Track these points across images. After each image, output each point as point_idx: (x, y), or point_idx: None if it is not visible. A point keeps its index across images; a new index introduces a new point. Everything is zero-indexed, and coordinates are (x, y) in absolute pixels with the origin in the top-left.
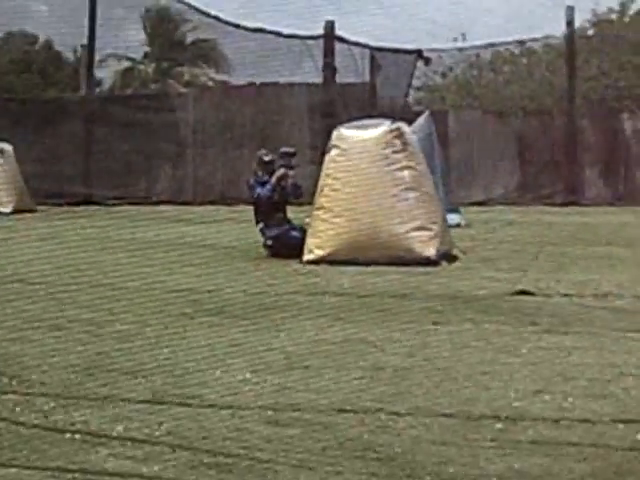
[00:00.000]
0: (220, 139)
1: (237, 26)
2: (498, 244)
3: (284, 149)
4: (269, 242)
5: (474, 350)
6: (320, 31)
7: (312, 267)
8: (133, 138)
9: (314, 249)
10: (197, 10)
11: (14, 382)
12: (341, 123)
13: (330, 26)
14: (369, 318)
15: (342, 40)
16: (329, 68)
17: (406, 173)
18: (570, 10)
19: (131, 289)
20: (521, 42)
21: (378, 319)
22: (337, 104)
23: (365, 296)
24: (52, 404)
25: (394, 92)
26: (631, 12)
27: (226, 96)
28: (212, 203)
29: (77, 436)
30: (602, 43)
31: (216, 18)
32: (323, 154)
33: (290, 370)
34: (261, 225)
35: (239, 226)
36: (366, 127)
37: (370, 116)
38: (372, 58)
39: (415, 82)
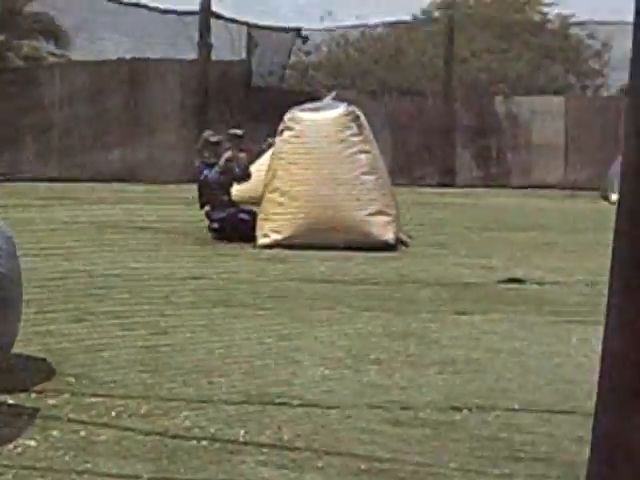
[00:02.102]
0: (89, 115)
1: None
2: (428, 227)
3: (232, 131)
4: (215, 225)
5: (527, 341)
6: (196, 7)
7: (271, 251)
8: None
9: (270, 233)
10: None
11: (85, 382)
12: (216, 101)
13: (207, 2)
14: (388, 308)
15: (219, 17)
16: (205, 45)
17: (363, 157)
18: None
19: (115, 276)
20: (389, 24)
21: (396, 309)
22: (212, 81)
23: (355, 283)
24: (146, 407)
25: (271, 70)
26: None
27: (96, 71)
28: (79, 181)
29: (204, 442)
30: (471, 25)
31: None
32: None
33: (363, 365)
34: (207, 208)
35: (147, 207)
36: (320, 109)
37: (246, 95)
38: (249, 36)
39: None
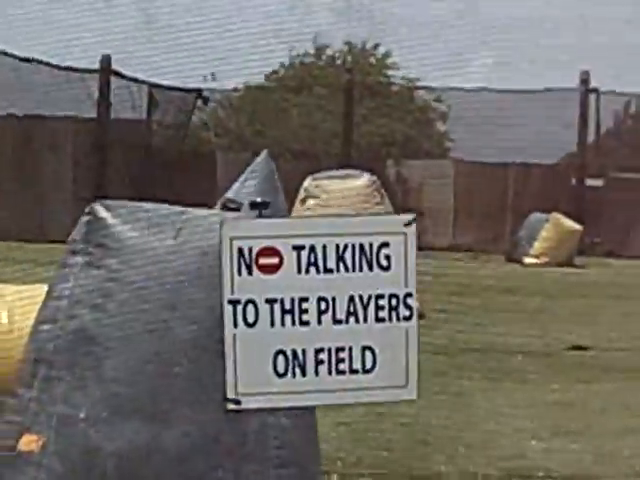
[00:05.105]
0: None
1: (3, 53)
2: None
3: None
4: None
5: None
6: (96, 65)
7: None
8: None
9: None
10: None
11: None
12: (114, 160)
13: (107, 60)
14: (504, 378)
15: (119, 75)
16: (104, 103)
17: None
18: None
19: None
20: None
21: (514, 379)
22: (110, 140)
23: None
24: None
25: (172, 131)
26: (325, 57)
27: None
28: None
29: None
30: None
31: None
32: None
33: (567, 437)
34: None
35: None
36: (344, 178)
37: (146, 155)
38: (150, 95)
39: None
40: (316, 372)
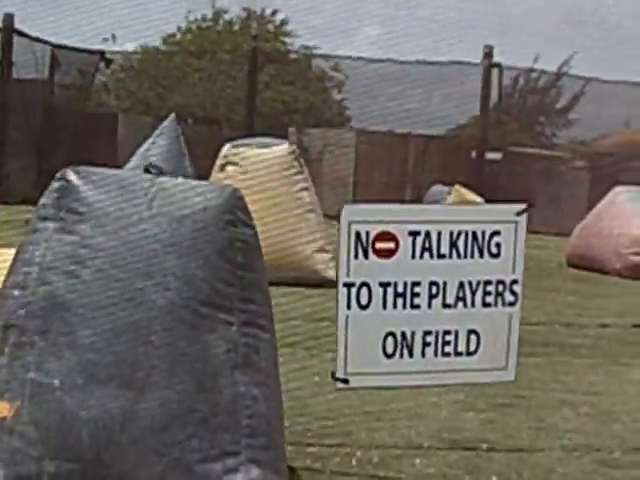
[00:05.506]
0: None
1: None
2: None
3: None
4: None
5: (600, 384)
6: None
7: None
8: None
9: None
10: None
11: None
12: (15, 120)
13: (9, 19)
14: None
15: (22, 34)
16: (6, 62)
17: (305, 194)
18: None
19: None
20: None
21: None
22: (12, 100)
23: None
24: (377, 458)
25: (73, 92)
26: (222, 22)
27: None
28: None
29: None
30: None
31: None
32: None
33: (502, 409)
34: None
35: None
36: (263, 146)
37: (47, 115)
38: (52, 56)
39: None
40: (423, 354)
